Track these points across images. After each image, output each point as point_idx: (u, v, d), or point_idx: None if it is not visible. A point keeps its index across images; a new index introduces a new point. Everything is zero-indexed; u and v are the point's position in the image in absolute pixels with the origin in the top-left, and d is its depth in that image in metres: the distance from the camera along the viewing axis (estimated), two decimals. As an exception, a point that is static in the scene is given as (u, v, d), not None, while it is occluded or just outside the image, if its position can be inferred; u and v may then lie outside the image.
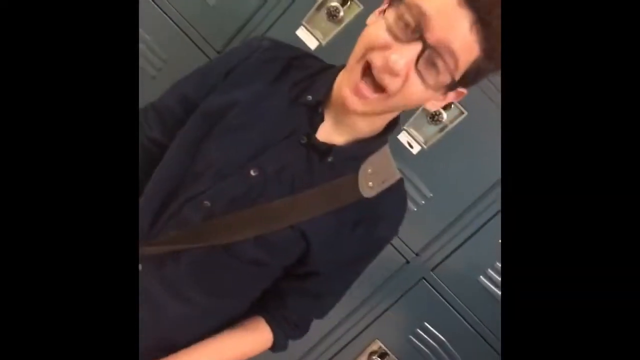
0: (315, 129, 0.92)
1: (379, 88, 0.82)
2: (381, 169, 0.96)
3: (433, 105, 0.89)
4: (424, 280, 1.60)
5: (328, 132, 0.93)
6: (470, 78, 0.83)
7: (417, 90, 0.81)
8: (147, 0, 1.55)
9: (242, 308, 1.03)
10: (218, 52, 1.57)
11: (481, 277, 1.56)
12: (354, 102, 0.83)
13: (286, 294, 1.02)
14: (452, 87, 0.83)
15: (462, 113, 1.45)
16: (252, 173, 0.90)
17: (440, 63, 0.79)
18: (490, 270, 1.55)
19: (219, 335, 1.01)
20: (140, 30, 1.58)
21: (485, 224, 1.51)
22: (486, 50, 0.79)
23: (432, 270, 1.59)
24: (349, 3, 1.44)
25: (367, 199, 0.94)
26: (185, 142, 0.95)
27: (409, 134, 1.49)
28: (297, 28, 1.48)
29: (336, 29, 1.46)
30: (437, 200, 1.53)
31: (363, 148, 0.94)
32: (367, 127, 0.93)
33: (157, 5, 1.56)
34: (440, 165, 1.50)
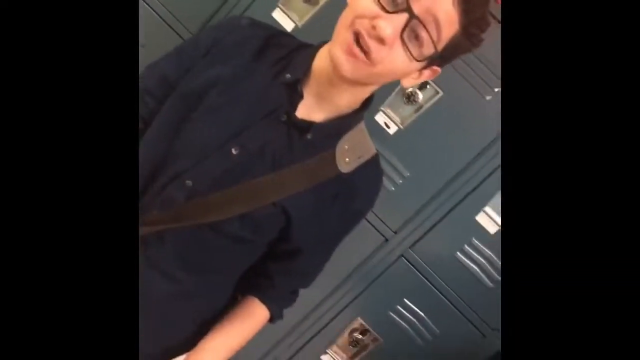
0: (294, 107, 0.93)
1: (368, 56, 0.84)
2: (357, 145, 0.98)
3: (408, 82, 0.91)
4: (402, 258, 1.63)
5: (308, 109, 0.95)
6: (446, 55, 0.86)
7: (401, 61, 0.84)
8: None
9: (229, 284, 1.05)
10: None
11: (458, 253, 1.59)
12: (346, 64, 0.84)
13: (273, 275, 1.05)
14: (432, 60, 0.86)
15: (437, 93, 1.48)
16: (234, 151, 0.92)
17: (424, 34, 0.82)
18: (467, 247, 1.58)
19: (220, 326, 1.04)
20: (116, 15, 1.57)
21: (461, 201, 1.55)
22: (465, 27, 0.83)
23: (411, 247, 1.62)
24: (324, -15, 1.45)
25: (344, 174, 0.96)
26: (165, 123, 0.96)
27: (385, 114, 1.51)
28: (273, 10, 1.48)
29: (312, 11, 1.47)
30: (414, 179, 1.56)
31: (340, 125, 0.96)
32: (346, 100, 0.95)
33: (132, -11, 1.55)
34: (416, 145, 1.53)
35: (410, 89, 1.48)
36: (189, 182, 0.92)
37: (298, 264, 1.04)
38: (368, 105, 0.99)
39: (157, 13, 1.56)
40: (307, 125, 0.93)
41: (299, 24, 1.49)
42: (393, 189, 1.56)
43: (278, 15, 1.49)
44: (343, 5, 0.89)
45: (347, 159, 0.96)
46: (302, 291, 1.15)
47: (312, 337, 1.73)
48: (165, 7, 1.55)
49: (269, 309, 1.07)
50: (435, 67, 0.90)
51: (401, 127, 1.52)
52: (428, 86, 1.48)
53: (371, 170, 1.01)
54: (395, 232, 1.62)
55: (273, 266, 1.04)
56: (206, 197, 0.91)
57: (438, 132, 1.51)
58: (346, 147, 0.96)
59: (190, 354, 1.02)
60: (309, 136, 0.93)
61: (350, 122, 0.97)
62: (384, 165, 1.53)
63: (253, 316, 1.07)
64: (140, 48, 1.58)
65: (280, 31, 1.06)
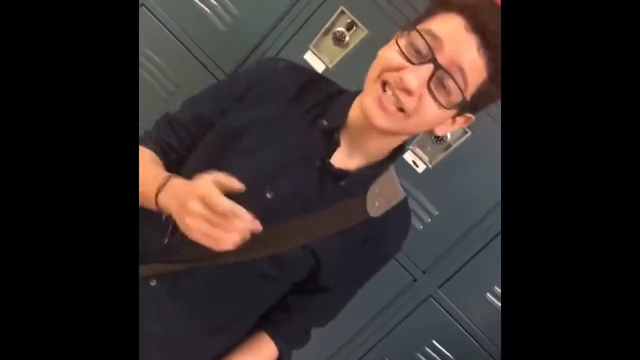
0: (330, 154, 0.95)
1: (398, 107, 0.86)
2: (387, 189, 1.00)
3: (442, 130, 0.93)
4: (431, 298, 1.62)
5: (342, 157, 0.96)
6: (477, 102, 0.88)
7: (431, 110, 0.85)
8: (160, 28, 1.61)
9: (251, 320, 1.06)
10: (228, 76, 1.61)
11: (488, 294, 1.58)
12: (378, 116, 0.86)
13: (293, 308, 1.05)
14: (463, 108, 0.87)
15: (466, 132, 1.49)
16: (269, 196, 0.93)
17: (450, 83, 0.83)
18: (496, 288, 1.56)
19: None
20: (154, 56, 1.63)
21: (490, 240, 1.53)
22: (491, 73, 0.84)
23: (439, 287, 1.61)
24: (354, 28, 1.49)
25: (373, 218, 0.97)
26: (201, 163, 0.96)
27: (414, 153, 1.52)
28: (305, 52, 1.53)
29: (342, 53, 1.51)
30: (443, 218, 1.56)
31: (373, 172, 0.98)
32: (377, 149, 0.96)
33: (170, 32, 1.61)
34: (445, 184, 1.53)
35: (438, 129, 1.49)
36: None
37: (320, 301, 1.04)
38: (399, 154, 1.00)
39: (192, 54, 1.62)
40: (342, 174, 0.95)
41: (330, 66, 1.52)
42: (421, 227, 1.56)
43: (309, 57, 1.53)
44: (372, 47, 0.92)
45: (376, 204, 0.97)
46: (329, 329, 1.14)
47: (338, 377, 1.72)
48: (201, 48, 1.61)
49: (278, 346, 1.06)
50: (468, 115, 0.91)
51: (429, 165, 1.53)
52: (456, 126, 1.49)
53: (400, 213, 1.03)
54: (424, 272, 1.61)
55: (293, 300, 1.04)
56: None
57: (466, 171, 1.52)
58: (377, 191, 0.97)
59: None
60: (342, 183, 0.95)
61: (382, 169, 0.99)
62: (412, 203, 1.54)
63: (260, 353, 1.06)
64: (174, 89, 1.65)
65: (319, 75, 1.08)
